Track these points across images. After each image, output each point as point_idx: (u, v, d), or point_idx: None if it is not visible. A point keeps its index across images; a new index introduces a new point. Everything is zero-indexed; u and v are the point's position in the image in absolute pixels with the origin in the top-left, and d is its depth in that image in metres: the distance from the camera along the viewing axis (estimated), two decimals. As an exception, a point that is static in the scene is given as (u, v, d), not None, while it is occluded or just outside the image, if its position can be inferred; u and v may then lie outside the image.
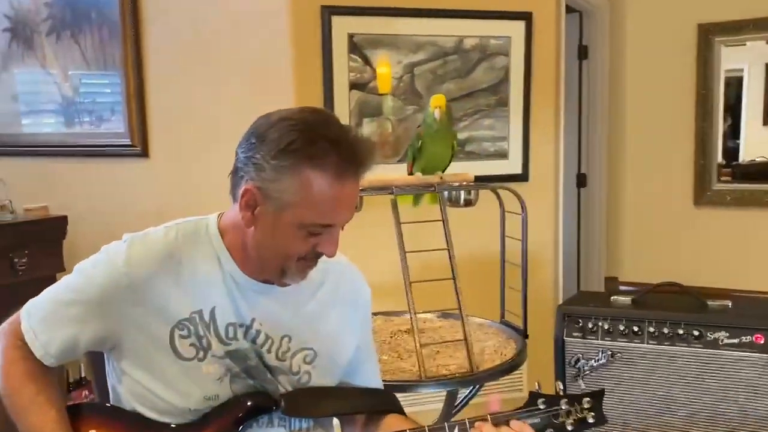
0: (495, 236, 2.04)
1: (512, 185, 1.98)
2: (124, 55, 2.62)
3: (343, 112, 2.43)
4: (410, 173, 2.02)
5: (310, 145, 1.10)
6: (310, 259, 1.20)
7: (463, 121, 2.61)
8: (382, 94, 2.49)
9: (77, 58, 2.73)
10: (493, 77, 2.62)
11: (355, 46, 2.43)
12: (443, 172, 1.94)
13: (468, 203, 1.93)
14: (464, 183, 1.96)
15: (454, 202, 1.94)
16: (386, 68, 2.47)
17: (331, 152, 1.10)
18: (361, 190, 1.70)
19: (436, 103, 1.85)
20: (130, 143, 2.69)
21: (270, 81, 2.39)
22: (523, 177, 2.69)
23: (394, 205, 1.82)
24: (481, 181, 2.07)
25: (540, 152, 2.70)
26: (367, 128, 2.47)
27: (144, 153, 2.70)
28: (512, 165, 2.68)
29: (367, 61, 2.47)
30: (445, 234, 1.81)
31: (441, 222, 1.80)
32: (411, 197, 1.99)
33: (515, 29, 2.58)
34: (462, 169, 2.33)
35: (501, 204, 2.00)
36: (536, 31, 2.62)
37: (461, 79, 2.58)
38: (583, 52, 3.19)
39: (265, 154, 1.11)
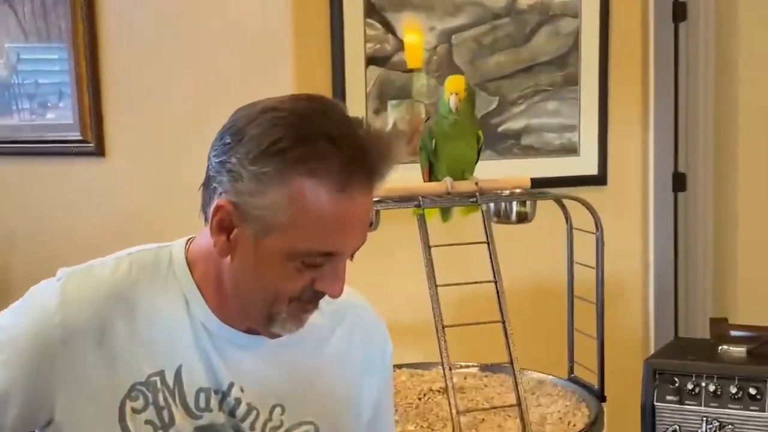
0: (560, 262, 2.03)
1: (584, 191, 2.01)
2: (73, 23, 2.63)
3: (357, 96, 2.45)
4: (427, 181, 1.98)
5: (302, 145, 1.06)
6: (308, 300, 1.16)
7: (517, 105, 2.62)
8: (410, 71, 2.51)
9: (13, 28, 2.77)
10: (559, 47, 2.63)
11: (373, 8, 2.45)
12: (472, 174, 1.93)
13: (522, 218, 1.90)
14: (516, 190, 1.93)
15: (504, 218, 1.91)
16: (416, 36, 2.49)
17: (332, 154, 1.06)
18: (377, 201, 1.70)
19: (453, 88, 1.85)
20: (80, 138, 2.70)
21: (263, 56, 2.42)
22: (599, 179, 2.68)
23: (422, 222, 1.79)
24: (543, 185, 2.10)
25: (622, 146, 2.71)
26: (392, 115, 2.50)
27: (99, 151, 2.71)
28: (585, 163, 2.67)
29: (389, 28, 2.49)
30: (491, 261, 1.77)
31: (485, 245, 1.76)
32: (437, 210, 1.97)
33: (589, -18, 2.60)
34: (515, 169, 2.36)
35: (568, 219, 1.96)
36: (616, -16, 2.64)
37: (515, 49, 2.60)
38: (679, 11, 2.97)
39: (242, 158, 1.07)
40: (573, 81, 2.65)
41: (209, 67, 2.52)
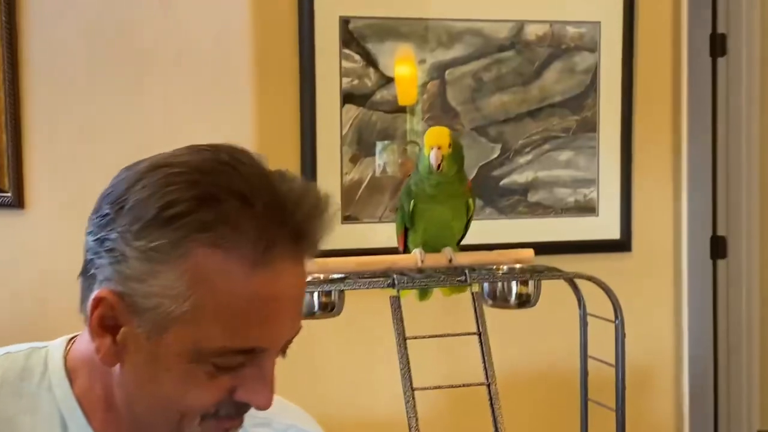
0: (571, 355, 1.97)
1: (604, 259, 2.12)
2: (-11, 48, 2.53)
3: (331, 140, 2.45)
4: (403, 251, 1.91)
5: (205, 207, 0.95)
6: (227, 416, 1.03)
7: (524, 154, 2.59)
8: (396, 110, 2.50)
9: None
10: (574, 85, 2.62)
11: (351, 37, 2.45)
12: (456, 247, 1.89)
13: (524, 301, 1.84)
14: (517, 266, 1.86)
15: (500, 300, 1.85)
16: (410, 67, 2.48)
17: (244, 216, 0.95)
18: (338, 279, 1.63)
19: (434, 141, 1.81)
20: (-4, 187, 2.59)
21: (218, 88, 2.42)
22: (622, 245, 2.65)
23: (396, 306, 1.69)
24: (553, 251, 2.14)
25: (650, 204, 2.69)
26: (381, 159, 2.50)
27: (17, 202, 2.60)
28: (605, 225, 2.64)
29: (370, 60, 2.47)
30: (483, 358, 1.67)
31: (476, 336, 1.69)
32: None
33: (608, 10, 2.60)
34: (521, 231, 2.40)
35: (581, 303, 1.91)
36: (642, 12, 2.64)
37: (522, 87, 2.58)
38: (718, 45, 2.99)
39: (124, 232, 0.97)
40: (591, 126, 2.62)
41: (153, 103, 2.47)
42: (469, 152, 2.26)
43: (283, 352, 1.04)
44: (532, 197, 2.61)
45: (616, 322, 1.77)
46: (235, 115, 2.40)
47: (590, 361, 1.88)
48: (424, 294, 1.88)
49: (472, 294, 1.72)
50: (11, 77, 2.57)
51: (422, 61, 2.51)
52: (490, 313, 1.79)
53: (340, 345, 1.32)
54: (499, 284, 1.84)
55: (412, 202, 1.84)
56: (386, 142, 2.50)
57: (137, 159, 2.30)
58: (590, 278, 1.80)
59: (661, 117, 2.71)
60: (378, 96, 2.49)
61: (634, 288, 2.49)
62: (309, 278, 1.70)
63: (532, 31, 2.57)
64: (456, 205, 1.87)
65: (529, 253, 1.85)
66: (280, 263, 0.97)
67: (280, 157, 2.36)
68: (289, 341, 1.03)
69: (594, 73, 2.61)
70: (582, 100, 2.63)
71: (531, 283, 1.85)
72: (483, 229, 2.37)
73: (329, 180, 2.41)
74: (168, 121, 2.42)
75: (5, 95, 2.57)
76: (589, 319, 1.87)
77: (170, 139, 1.84)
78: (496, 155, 2.56)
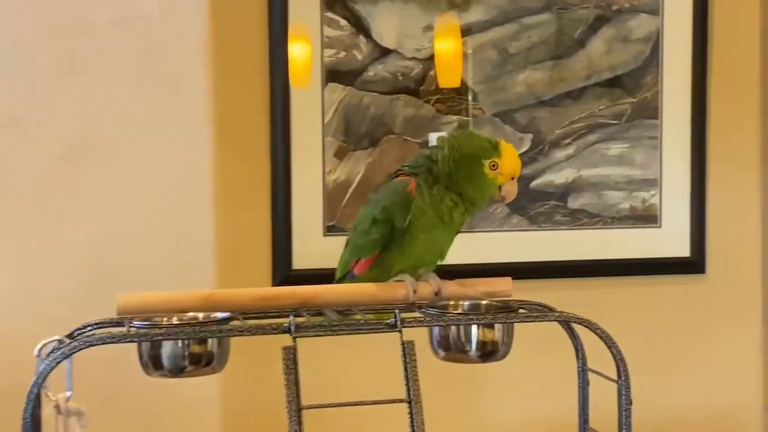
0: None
1: (670, 282, 2.15)
2: None
3: (310, 128, 2.22)
4: (363, 273, 1.66)
5: None
6: None
7: (562, 148, 2.36)
8: (398, 91, 2.26)
9: None
10: (628, 58, 2.41)
11: None
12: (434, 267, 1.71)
13: (488, 352, 1.58)
14: (482, 302, 1.65)
15: (456, 351, 1.58)
16: (453, 41, 2.29)
17: None
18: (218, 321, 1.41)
19: (514, 169, 1.63)
20: None
21: (168, 63, 2.22)
22: (693, 265, 2.44)
23: (290, 363, 1.39)
24: (602, 272, 2.21)
25: (731, 212, 2.50)
26: (373, 157, 2.24)
27: None
28: (670, 239, 2.43)
29: (360, 27, 2.28)
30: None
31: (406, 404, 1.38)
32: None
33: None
34: (559, 245, 2.30)
35: (579, 353, 1.64)
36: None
37: (560, 61, 2.37)
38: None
39: None
40: (651, 111, 2.43)
41: (92, 83, 2.23)
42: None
43: None
44: (574, 203, 2.38)
45: (620, 382, 1.51)
46: (187, 97, 2.17)
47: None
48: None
49: (403, 345, 1.41)
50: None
51: (428, 28, 2.26)
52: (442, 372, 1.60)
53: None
54: (453, 329, 1.57)
55: (407, 218, 1.61)
56: (387, 137, 2.23)
57: (72, 153, 2.19)
58: (578, 321, 1.52)
59: (745, 98, 2.51)
60: (371, 72, 2.23)
61: (708, 320, 2.34)
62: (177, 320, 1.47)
63: (572, -11, 2.41)
64: (461, 221, 1.67)
65: (506, 283, 1.59)
66: None
67: (245, 151, 2.17)
68: None
69: (655, 41, 2.40)
70: (639, 78, 2.41)
71: (499, 327, 1.57)
72: (508, 244, 2.26)
73: (307, 181, 2.16)
74: (112, 106, 2.20)
75: None
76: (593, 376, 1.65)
77: (116, 129, 2.01)
78: (526, 148, 2.33)
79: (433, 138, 2.17)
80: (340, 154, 2.22)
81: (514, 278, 2.20)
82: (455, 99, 2.25)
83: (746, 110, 2.50)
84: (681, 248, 2.42)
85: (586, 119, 2.38)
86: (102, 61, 2.21)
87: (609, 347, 1.50)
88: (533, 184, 2.30)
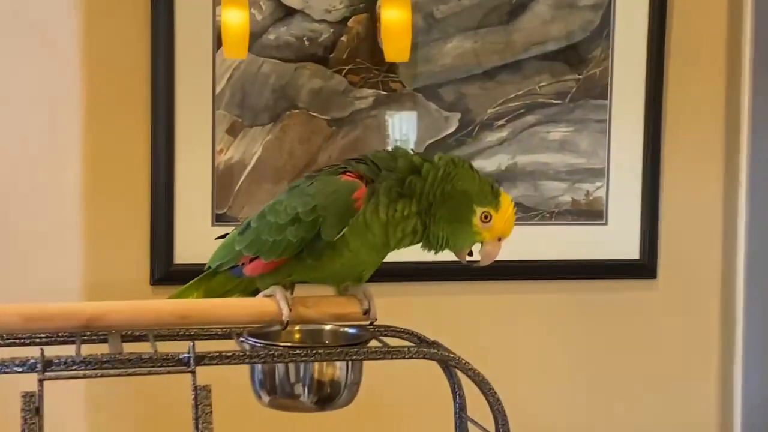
0: None
1: (616, 288, 2.14)
2: None
3: (198, 99, 2.08)
4: (257, 275, 1.49)
5: None
6: None
7: (494, 131, 2.25)
8: (304, 59, 2.12)
9: None
10: (574, 27, 2.30)
11: None
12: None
13: (326, 397, 1.39)
14: (326, 327, 1.47)
15: (283, 394, 1.39)
16: (402, 10, 2.17)
17: None
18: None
19: (507, 230, 1.50)
20: None
21: (33, 21, 2.05)
22: (642, 269, 2.34)
23: (28, 417, 1.24)
24: (538, 274, 2.13)
25: (688, 208, 2.42)
26: (273, 135, 2.12)
27: None
28: (617, 239, 2.35)
29: None
30: None
31: None
32: None
33: None
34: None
35: (456, 397, 1.49)
36: None
37: (494, 29, 2.25)
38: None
39: None
40: (599, 90, 2.33)
41: None
42: (410, 124, 2.05)
43: None
44: (516, 193, 2.27)
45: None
46: (53, 58, 1.99)
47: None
48: None
49: (195, 390, 1.21)
50: None
51: (339, -14, 2.11)
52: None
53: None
54: (280, 367, 1.38)
55: (343, 230, 1.44)
56: (288, 111, 2.06)
57: None
58: (443, 359, 1.35)
59: (709, 78, 2.41)
60: (272, 36, 2.08)
61: (659, 331, 2.24)
62: None
63: (511, -57, 2.30)
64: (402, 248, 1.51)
65: (351, 305, 1.43)
66: None
67: (120, 125, 1.93)
68: None
69: (606, 8, 2.29)
70: (587, 50, 2.30)
71: (342, 366, 1.38)
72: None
73: (193, 161, 2.01)
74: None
75: None
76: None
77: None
78: (452, 129, 2.21)
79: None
80: (234, 131, 2.07)
81: (428, 280, 2.09)
82: (371, 70, 2.11)
83: (710, 92, 2.40)
84: (630, 249, 2.33)
85: (523, 97, 2.27)
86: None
87: (484, 394, 1.31)
88: None
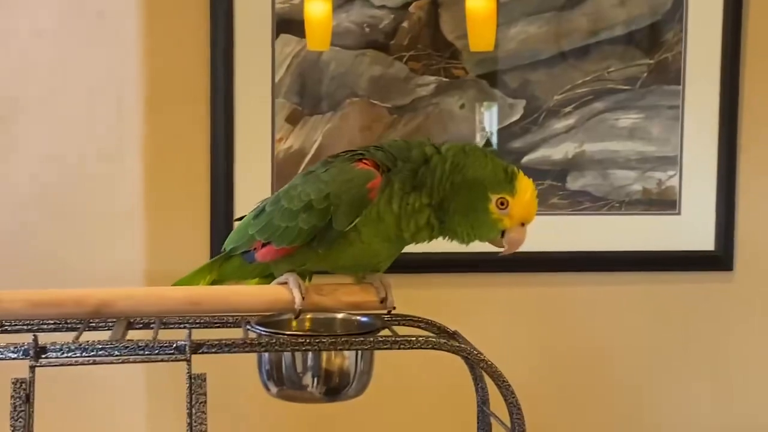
0: None
1: (687, 282, 2.10)
2: None
3: (258, 87, 2.08)
4: (269, 261, 1.46)
5: None
6: None
7: (561, 118, 2.21)
8: (366, 46, 2.10)
9: None
10: (645, 10, 2.25)
11: None
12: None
13: (335, 387, 1.38)
14: (338, 316, 1.46)
15: (290, 384, 1.37)
16: None
17: None
18: None
19: (530, 214, 1.45)
20: None
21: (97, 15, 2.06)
22: (718, 260, 2.27)
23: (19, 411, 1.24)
24: (606, 266, 2.10)
25: (766, 200, 2.34)
26: (332, 123, 2.10)
27: None
28: (691, 229, 2.30)
29: None
30: None
31: None
32: None
33: None
34: (554, 234, 2.15)
35: (478, 389, 1.46)
36: None
37: (559, 13, 2.21)
38: None
39: None
40: (672, 75, 2.27)
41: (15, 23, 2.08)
42: (473, 113, 2.01)
43: None
44: (574, 183, 2.23)
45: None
46: (116, 49, 2.00)
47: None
48: None
49: (190, 378, 1.19)
50: None
51: (396, -27, 2.08)
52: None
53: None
54: (287, 356, 1.34)
55: (356, 220, 1.39)
56: (351, 99, 2.03)
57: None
58: (455, 350, 1.31)
59: None
60: (333, 22, 2.04)
61: (734, 325, 2.17)
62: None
63: None
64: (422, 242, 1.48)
65: (367, 294, 1.38)
66: None
67: (180, 115, 1.95)
68: None
69: None
70: (658, 33, 2.24)
71: (352, 356, 1.35)
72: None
73: (253, 150, 2.00)
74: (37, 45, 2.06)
75: None
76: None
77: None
78: (516, 117, 2.17)
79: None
80: (294, 119, 2.05)
81: (496, 271, 2.06)
82: (432, 57, 2.07)
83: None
84: (704, 240, 2.26)
85: (591, 83, 2.22)
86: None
87: (500, 387, 1.28)
88: (525, 159, 2.15)
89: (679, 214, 2.23)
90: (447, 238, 1.43)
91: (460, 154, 1.33)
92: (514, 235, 1.38)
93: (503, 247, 1.38)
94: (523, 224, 1.38)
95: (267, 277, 1.45)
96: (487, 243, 1.41)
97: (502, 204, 1.33)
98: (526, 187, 1.39)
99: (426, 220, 1.35)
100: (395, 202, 1.35)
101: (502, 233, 1.36)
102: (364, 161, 1.36)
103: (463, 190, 1.33)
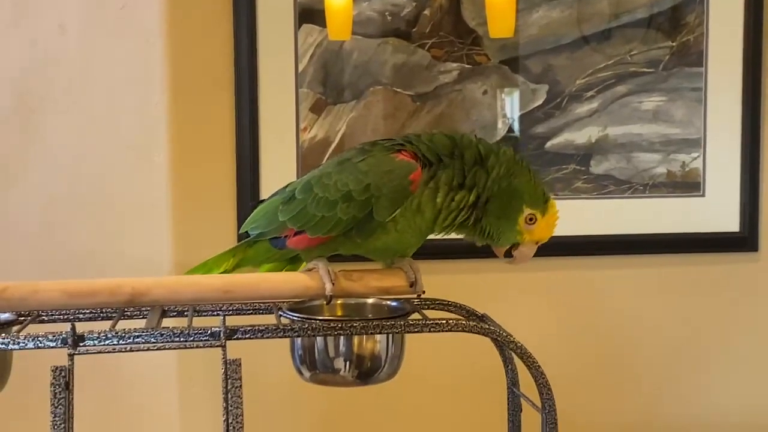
0: None
1: (711, 264, 2.09)
2: None
3: (281, 76, 2.08)
4: (303, 249, 1.47)
5: None
6: None
7: (583, 102, 2.21)
8: (387, 34, 2.10)
9: None
10: None
11: None
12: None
13: (367, 371, 1.41)
14: (368, 301, 1.48)
15: (322, 368, 1.40)
16: None
17: None
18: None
19: (548, 233, 1.52)
20: None
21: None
22: (743, 241, 2.28)
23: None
24: (632, 249, 2.09)
25: None
26: (357, 112, 2.10)
27: None
28: (715, 211, 2.29)
29: None
30: None
31: None
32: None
33: None
34: (579, 217, 2.16)
35: (508, 371, 1.48)
36: None
37: None
38: None
39: None
40: (694, 57, 2.27)
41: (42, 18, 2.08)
42: (496, 99, 2.01)
43: None
44: (598, 167, 2.22)
45: (544, 413, 1.31)
46: (140, 40, 2.01)
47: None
48: None
49: (225, 364, 1.21)
50: None
51: (419, -41, 2.08)
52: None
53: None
54: (319, 341, 1.36)
55: (396, 212, 1.41)
56: (374, 87, 2.03)
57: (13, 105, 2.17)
58: (485, 333, 1.32)
59: None
60: (354, 11, 2.04)
61: (760, 306, 2.16)
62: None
63: None
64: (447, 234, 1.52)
65: (399, 278, 1.40)
66: None
67: (205, 107, 1.97)
68: None
69: None
70: (680, 16, 2.24)
71: (383, 339, 1.37)
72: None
73: (278, 139, 2.00)
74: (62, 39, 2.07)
75: None
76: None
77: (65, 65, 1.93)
78: (539, 102, 2.17)
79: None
80: (318, 109, 2.05)
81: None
82: (455, 43, 2.06)
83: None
84: (729, 221, 2.26)
85: (613, 67, 2.21)
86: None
87: (529, 367, 1.29)
88: (549, 144, 2.13)
89: (703, 195, 2.22)
90: (465, 234, 1.45)
91: (512, 161, 1.38)
92: (526, 251, 1.44)
93: (504, 257, 1.43)
94: (537, 243, 1.44)
95: (291, 260, 1.47)
96: (487, 244, 1.44)
97: (530, 219, 1.38)
98: (554, 211, 1.45)
99: (464, 218, 1.38)
100: (440, 197, 1.37)
101: (514, 245, 1.40)
102: (403, 152, 1.37)
103: (506, 196, 1.38)
